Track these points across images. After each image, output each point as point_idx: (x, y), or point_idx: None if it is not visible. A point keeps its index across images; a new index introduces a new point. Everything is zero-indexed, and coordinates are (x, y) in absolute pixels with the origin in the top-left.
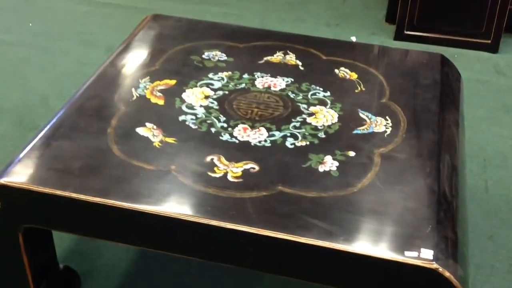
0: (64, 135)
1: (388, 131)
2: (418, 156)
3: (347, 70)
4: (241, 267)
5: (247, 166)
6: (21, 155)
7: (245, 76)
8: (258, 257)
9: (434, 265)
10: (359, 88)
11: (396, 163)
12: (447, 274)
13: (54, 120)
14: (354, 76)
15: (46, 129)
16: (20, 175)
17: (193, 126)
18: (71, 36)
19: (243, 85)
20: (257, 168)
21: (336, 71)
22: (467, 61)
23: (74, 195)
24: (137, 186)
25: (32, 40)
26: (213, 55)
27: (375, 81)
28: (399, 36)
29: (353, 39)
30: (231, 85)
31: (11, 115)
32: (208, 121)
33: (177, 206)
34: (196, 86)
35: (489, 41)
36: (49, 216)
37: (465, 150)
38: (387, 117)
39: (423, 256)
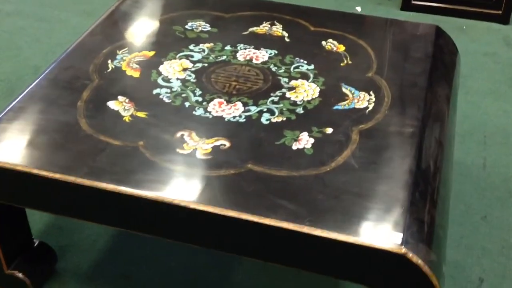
0: (33, 108)
1: (371, 107)
2: (399, 133)
3: (335, 42)
4: (204, 247)
5: (218, 143)
6: None
7: (227, 48)
8: (222, 238)
9: (403, 250)
10: (345, 61)
11: (374, 141)
12: (415, 259)
13: (25, 92)
14: (341, 48)
15: (16, 101)
16: None
17: (166, 100)
18: (69, 6)
19: (224, 57)
20: (228, 145)
21: (323, 43)
22: (475, 33)
23: (35, 171)
24: (101, 162)
25: (29, 9)
26: (196, 25)
27: (363, 54)
28: (406, 6)
29: (358, 9)
30: (211, 57)
31: (2, 85)
32: (183, 95)
33: (140, 184)
34: (175, 58)
35: (500, 12)
36: (14, 193)
37: (454, 127)
38: (371, 92)
39: (392, 240)
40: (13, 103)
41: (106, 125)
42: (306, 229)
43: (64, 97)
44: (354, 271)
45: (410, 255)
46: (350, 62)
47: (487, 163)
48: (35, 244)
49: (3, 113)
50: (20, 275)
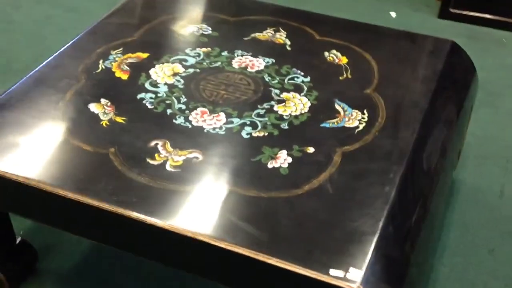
0: (14, 105)
1: (361, 127)
2: (385, 158)
3: (338, 54)
4: (158, 262)
5: (191, 155)
6: None
7: (224, 53)
8: (177, 255)
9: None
10: (345, 75)
11: (357, 164)
12: None
13: (11, 89)
14: (344, 60)
15: (5, 92)
16: None
17: (149, 106)
18: None
19: (218, 64)
20: (200, 158)
21: (326, 54)
22: None
23: (0, 172)
24: (66, 168)
25: None
26: (197, 28)
27: (366, 68)
28: (444, 14)
29: (393, 14)
30: (205, 63)
31: (19, 76)
32: (167, 101)
33: (98, 193)
34: (168, 62)
35: None
36: None
37: (456, 154)
38: (365, 111)
39: (350, 276)
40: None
41: (81, 128)
42: (261, 257)
43: (47, 97)
44: None
45: None
46: (350, 76)
47: (506, 191)
48: (17, 242)
49: None
50: None
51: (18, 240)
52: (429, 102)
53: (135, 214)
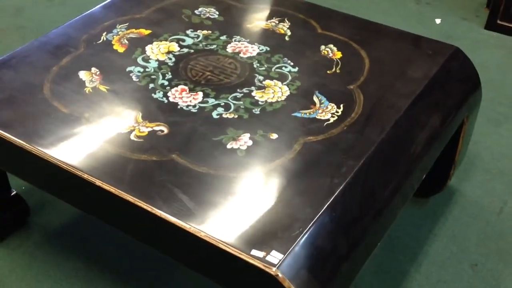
0: (12, 65)
1: (332, 120)
2: (344, 153)
3: (334, 48)
4: (108, 223)
5: (157, 128)
6: None
7: (223, 37)
8: (122, 218)
9: (274, 270)
10: (334, 69)
11: (313, 155)
12: (287, 284)
13: (15, 50)
14: (337, 55)
15: (3, 57)
16: None
17: (134, 79)
18: None
19: (213, 46)
20: (165, 131)
21: (322, 47)
22: None
23: None
24: (39, 126)
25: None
26: (205, 11)
27: (357, 64)
28: (490, 25)
29: (437, 21)
30: (201, 45)
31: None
32: (153, 77)
33: (63, 154)
34: (166, 40)
35: None
36: None
37: (428, 163)
38: (341, 105)
39: (269, 258)
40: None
41: (65, 92)
42: (190, 229)
43: (45, 61)
44: (232, 280)
45: (282, 278)
46: (338, 71)
47: (506, 209)
48: (11, 195)
49: None
50: None
51: (13, 193)
52: (409, 104)
53: (84, 174)
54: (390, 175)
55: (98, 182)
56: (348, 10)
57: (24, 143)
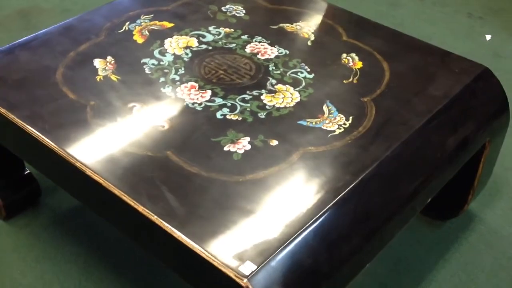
0: (31, 47)
1: (338, 131)
2: (343, 167)
3: (356, 58)
4: (93, 211)
5: (158, 123)
6: None
7: (244, 37)
8: (108, 210)
9: (244, 282)
10: (351, 79)
11: (311, 166)
12: None
13: (38, 32)
14: (358, 65)
15: (26, 38)
16: None
17: (147, 71)
18: None
19: (233, 45)
20: (166, 127)
21: (344, 55)
22: None
23: None
24: (44, 109)
25: None
26: (232, 9)
27: (377, 76)
28: None
29: (487, 37)
30: (220, 42)
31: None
32: (165, 71)
33: (60, 139)
34: (187, 35)
35: None
36: None
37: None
38: (351, 117)
39: (242, 268)
40: (23, 38)
41: (76, 79)
42: (168, 228)
43: (64, 46)
44: (205, 285)
45: None
46: (355, 81)
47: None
48: (24, 173)
49: (6, 46)
50: None
51: (26, 172)
52: (423, 123)
53: (77, 162)
54: (390, 195)
55: (89, 172)
56: (395, 18)
57: (26, 125)
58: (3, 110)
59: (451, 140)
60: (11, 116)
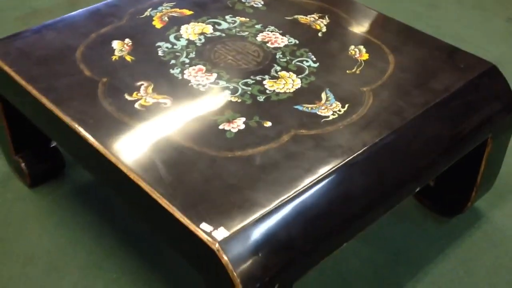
0: (58, 28)
1: (331, 117)
2: (330, 150)
3: (363, 50)
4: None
5: (162, 100)
6: (19, 32)
7: (257, 26)
8: (106, 176)
9: (216, 246)
10: (354, 70)
11: (299, 147)
12: (224, 260)
13: (65, 15)
14: (364, 57)
15: (55, 19)
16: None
17: (160, 54)
18: None
19: (245, 33)
20: (168, 104)
21: (352, 47)
22: None
23: (12, 73)
24: (60, 83)
25: None
26: (251, 0)
27: (380, 68)
28: None
29: None
30: (234, 31)
31: None
32: (177, 54)
33: (70, 110)
34: (203, 22)
35: None
36: (5, 88)
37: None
38: (347, 105)
39: (214, 234)
40: (53, 20)
41: (94, 58)
42: (155, 195)
43: (88, 27)
44: (183, 248)
45: (221, 253)
46: (358, 72)
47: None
48: (50, 146)
49: (35, 27)
50: (22, 163)
51: (52, 145)
52: (418, 114)
53: (81, 130)
54: (374, 180)
55: (91, 140)
56: (431, 19)
57: (41, 96)
58: (23, 82)
59: (446, 132)
60: (29, 87)
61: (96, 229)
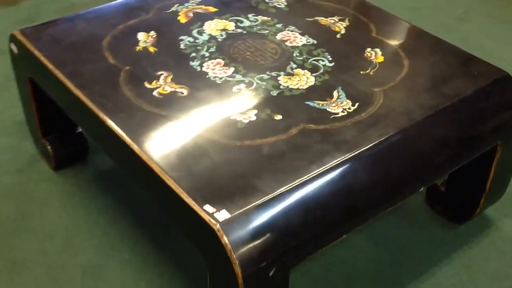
0: (88, 18)
1: (341, 114)
2: (335, 145)
3: (379, 52)
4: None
5: (179, 90)
6: (53, 20)
7: (278, 25)
8: (119, 155)
9: (217, 226)
10: (368, 71)
11: (306, 140)
12: (224, 240)
13: (96, 7)
14: (379, 59)
15: (87, 10)
16: (32, 32)
17: (182, 46)
18: None
19: (266, 32)
20: (185, 93)
21: (368, 49)
22: None
23: (42, 58)
24: (84, 68)
25: None
26: (275, 0)
27: (394, 71)
28: None
29: None
30: (255, 28)
31: None
32: (198, 47)
33: (91, 92)
34: (227, 19)
35: None
36: (35, 72)
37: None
38: (357, 104)
39: (216, 215)
40: (86, 10)
41: (119, 47)
42: (163, 176)
43: (116, 19)
44: (187, 225)
45: (221, 234)
46: (372, 73)
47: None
48: (76, 131)
49: (67, 15)
50: (48, 146)
51: (77, 131)
52: (426, 116)
53: (100, 113)
54: (377, 176)
55: (108, 122)
56: (459, 32)
57: (66, 79)
58: (51, 66)
59: (453, 135)
60: (56, 71)
61: (112, 212)
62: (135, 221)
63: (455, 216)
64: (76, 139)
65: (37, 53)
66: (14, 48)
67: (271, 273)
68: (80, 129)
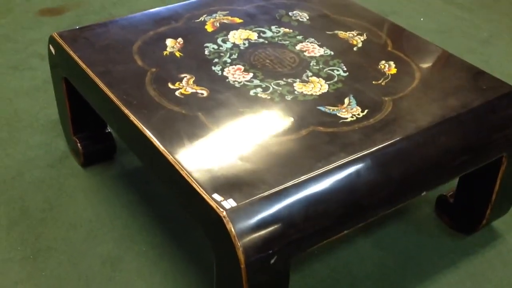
0: (121, 25)
1: (350, 119)
2: (341, 147)
3: (393, 65)
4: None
5: (200, 91)
6: (89, 25)
7: (299, 37)
8: (144, 149)
9: (223, 214)
10: (380, 81)
11: (315, 141)
12: (229, 226)
13: (129, 15)
14: (392, 71)
15: (121, 17)
16: (69, 35)
17: (206, 53)
18: None
19: (286, 42)
20: (205, 95)
21: (382, 62)
22: None
23: (76, 58)
24: (113, 69)
25: None
26: (298, 14)
27: (406, 82)
28: None
29: None
30: (277, 39)
31: None
32: (221, 54)
33: (118, 90)
34: (251, 30)
35: None
36: (69, 71)
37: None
38: (366, 110)
39: (224, 203)
40: (121, 16)
41: (147, 51)
42: (177, 165)
43: (147, 26)
44: (196, 212)
45: (227, 220)
46: (383, 83)
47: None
48: (105, 132)
49: (103, 20)
50: (78, 143)
51: (106, 131)
52: (432, 124)
53: (124, 109)
54: (379, 178)
55: (131, 118)
56: (482, 55)
57: (96, 77)
58: (84, 66)
59: (457, 145)
60: (88, 70)
61: (134, 208)
62: (155, 216)
63: (463, 227)
64: (105, 138)
65: (72, 53)
66: (52, 49)
67: (272, 261)
68: (109, 129)
